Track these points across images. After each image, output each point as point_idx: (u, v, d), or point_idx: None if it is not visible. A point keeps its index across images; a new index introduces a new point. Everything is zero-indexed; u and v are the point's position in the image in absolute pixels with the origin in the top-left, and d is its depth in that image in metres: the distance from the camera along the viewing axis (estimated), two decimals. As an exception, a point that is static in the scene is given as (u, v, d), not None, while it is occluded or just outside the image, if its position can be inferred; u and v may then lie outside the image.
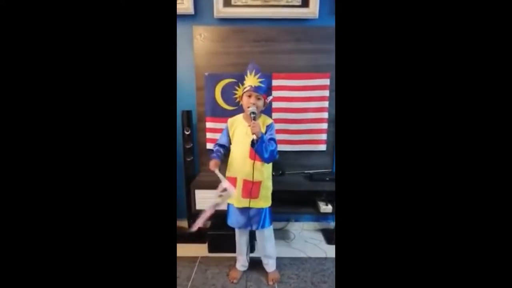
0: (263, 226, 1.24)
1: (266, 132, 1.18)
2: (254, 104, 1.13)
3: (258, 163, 1.16)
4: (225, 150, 1.24)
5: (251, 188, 1.17)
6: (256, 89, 1.13)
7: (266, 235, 1.29)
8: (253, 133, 1.06)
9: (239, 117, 1.25)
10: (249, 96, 1.15)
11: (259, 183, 1.19)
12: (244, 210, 1.21)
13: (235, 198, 1.21)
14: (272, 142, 1.14)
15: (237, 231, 1.33)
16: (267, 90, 1.19)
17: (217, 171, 1.10)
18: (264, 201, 1.22)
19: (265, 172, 1.20)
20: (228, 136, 1.24)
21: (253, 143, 1.07)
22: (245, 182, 1.18)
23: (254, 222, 1.23)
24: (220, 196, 1.09)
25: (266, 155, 1.10)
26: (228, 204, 1.26)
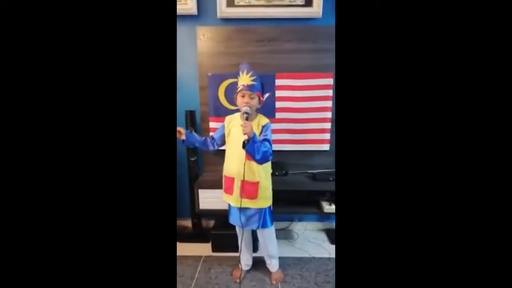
0: (263, 226, 1.23)
1: (261, 133, 1.16)
2: (247, 103, 1.12)
3: (253, 163, 1.14)
4: (211, 141, 1.27)
5: (245, 188, 1.16)
6: (249, 87, 1.12)
7: (267, 235, 1.28)
8: (244, 133, 1.04)
9: (237, 116, 1.24)
10: (243, 96, 1.14)
11: (256, 183, 1.17)
12: (242, 210, 1.20)
13: (233, 198, 1.20)
14: (266, 143, 1.12)
15: (238, 230, 1.33)
16: (261, 88, 1.17)
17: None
18: (263, 201, 1.20)
19: (262, 172, 1.18)
20: (223, 133, 1.24)
21: (244, 144, 1.05)
22: (241, 182, 1.17)
23: (253, 222, 1.22)
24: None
25: (258, 156, 1.06)
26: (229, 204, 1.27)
